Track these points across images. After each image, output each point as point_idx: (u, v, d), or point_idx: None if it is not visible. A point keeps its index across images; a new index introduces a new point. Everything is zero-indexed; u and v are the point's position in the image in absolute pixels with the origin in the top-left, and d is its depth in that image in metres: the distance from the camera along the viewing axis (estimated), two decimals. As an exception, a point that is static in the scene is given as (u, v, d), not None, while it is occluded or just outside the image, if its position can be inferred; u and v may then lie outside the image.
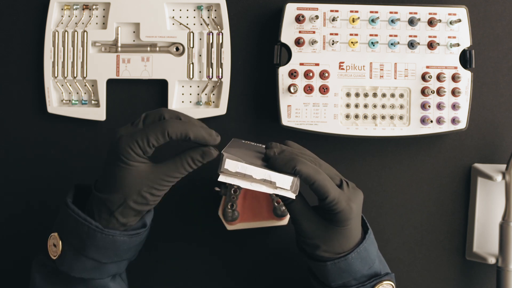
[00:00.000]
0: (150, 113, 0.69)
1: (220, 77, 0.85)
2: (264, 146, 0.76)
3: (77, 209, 0.68)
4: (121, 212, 0.68)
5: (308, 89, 0.83)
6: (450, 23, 0.83)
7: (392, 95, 0.84)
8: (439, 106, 0.83)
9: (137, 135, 0.66)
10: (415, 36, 0.83)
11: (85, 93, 0.85)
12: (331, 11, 0.83)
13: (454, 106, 0.84)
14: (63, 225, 0.70)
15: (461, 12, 0.83)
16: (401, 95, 0.84)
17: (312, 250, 0.71)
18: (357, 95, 0.84)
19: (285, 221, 0.83)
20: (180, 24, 0.85)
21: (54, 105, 0.85)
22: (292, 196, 0.67)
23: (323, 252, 0.71)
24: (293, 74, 0.83)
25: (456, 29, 0.84)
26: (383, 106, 0.84)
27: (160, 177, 0.68)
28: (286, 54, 0.83)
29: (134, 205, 0.68)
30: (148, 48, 0.85)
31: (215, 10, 0.85)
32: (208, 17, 0.85)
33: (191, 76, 0.85)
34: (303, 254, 0.74)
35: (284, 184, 0.67)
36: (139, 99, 0.86)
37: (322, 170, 0.69)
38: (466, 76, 0.84)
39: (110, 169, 0.68)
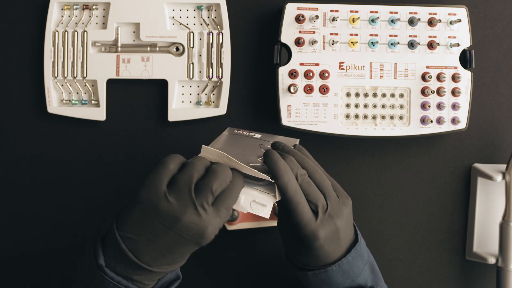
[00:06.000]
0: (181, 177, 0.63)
1: (220, 77, 0.85)
2: (259, 136, 0.77)
3: (117, 277, 0.63)
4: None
5: (308, 89, 0.83)
6: (450, 23, 0.83)
7: (392, 95, 0.84)
8: (439, 106, 0.83)
9: (213, 222, 0.62)
10: (415, 36, 0.83)
11: (85, 93, 0.85)
12: (331, 11, 0.83)
13: (454, 106, 0.84)
14: (94, 286, 0.64)
15: (461, 12, 0.83)
16: (401, 95, 0.84)
17: (289, 260, 0.73)
18: (357, 95, 0.84)
19: (285, 221, 0.83)
20: (180, 24, 0.85)
21: (54, 105, 0.85)
22: (273, 200, 0.65)
23: (301, 264, 0.71)
24: (293, 74, 0.82)
25: (456, 29, 0.84)
26: (383, 106, 0.84)
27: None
28: (286, 54, 0.83)
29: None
30: (148, 48, 0.85)
31: (215, 10, 0.85)
32: (208, 17, 0.85)
33: (191, 76, 0.85)
34: (288, 261, 0.74)
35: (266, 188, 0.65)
36: (139, 99, 0.86)
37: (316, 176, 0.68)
38: (466, 76, 0.84)
39: (176, 249, 0.64)
